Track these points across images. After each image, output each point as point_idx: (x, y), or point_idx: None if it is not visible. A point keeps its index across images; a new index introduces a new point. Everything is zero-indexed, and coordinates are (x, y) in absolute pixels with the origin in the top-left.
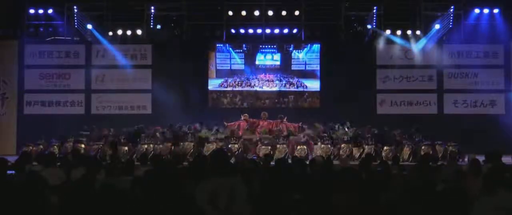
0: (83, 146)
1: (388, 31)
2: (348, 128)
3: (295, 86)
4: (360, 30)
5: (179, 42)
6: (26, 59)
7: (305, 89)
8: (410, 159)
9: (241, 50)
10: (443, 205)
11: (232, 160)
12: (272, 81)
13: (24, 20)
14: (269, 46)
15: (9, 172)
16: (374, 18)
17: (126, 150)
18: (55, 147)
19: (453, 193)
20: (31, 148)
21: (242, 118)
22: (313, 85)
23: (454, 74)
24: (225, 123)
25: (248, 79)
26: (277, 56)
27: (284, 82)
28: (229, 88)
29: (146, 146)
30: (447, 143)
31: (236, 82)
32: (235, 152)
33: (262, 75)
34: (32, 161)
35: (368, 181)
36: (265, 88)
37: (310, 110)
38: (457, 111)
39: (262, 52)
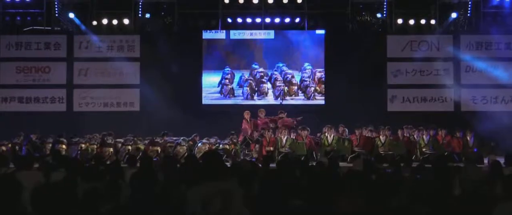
0: (64, 146)
1: (400, 21)
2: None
3: (298, 81)
4: (369, 19)
5: (170, 32)
6: (1, 52)
7: (309, 85)
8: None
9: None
10: (460, 211)
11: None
12: (272, 76)
13: None
14: (270, 39)
15: None
16: (385, 6)
17: (111, 152)
18: (33, 141)
19: (472, 198)
20: (9, 145)
21: (246, 117)
22: (318, 80)
23: (472, 68)
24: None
25: (245, 73)
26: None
27: (285, 77)
28: (225, 83)
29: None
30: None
31: (233, 77)
32: (232, 151)
33: (261, 70)
34: (8, 163)
35: (376, 185)
36: (264, 85)
37: (314, 107)
38: (476, 107)
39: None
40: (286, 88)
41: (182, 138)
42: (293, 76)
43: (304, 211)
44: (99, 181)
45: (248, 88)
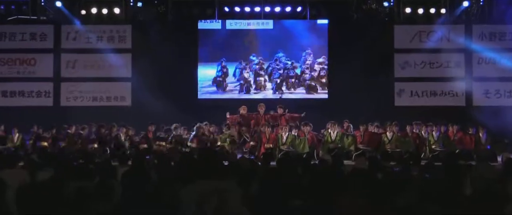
0: (46, 143)
1: (408, 10)
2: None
3: (298, 74)
4: (375, 8)
5: (164, 21)
6: None
7: (309, 78)
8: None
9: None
10: (471, 210)
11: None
12: (269, 67)
13: None
14: (268, 29)
15: None
16: None
17: (95, 147)
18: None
19: (483, 197)
20: None
21: (241, 112)
22: (320, 73)
23: (485, 60)
24: (228, 115)
25: (243, 66)
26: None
27: (285, 70)
28: (219, 76)
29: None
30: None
31: (227, 70)
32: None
33: (257, 61)
34: None
35: (382, 184)
36: (261, 78)
37: (317, 101)
38: (489, 102)
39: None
40: (281, 80)
41: (173, 125)
42: (292, 68)
43: (305, 212)
44: (89, 180)
45: (243, 82)
